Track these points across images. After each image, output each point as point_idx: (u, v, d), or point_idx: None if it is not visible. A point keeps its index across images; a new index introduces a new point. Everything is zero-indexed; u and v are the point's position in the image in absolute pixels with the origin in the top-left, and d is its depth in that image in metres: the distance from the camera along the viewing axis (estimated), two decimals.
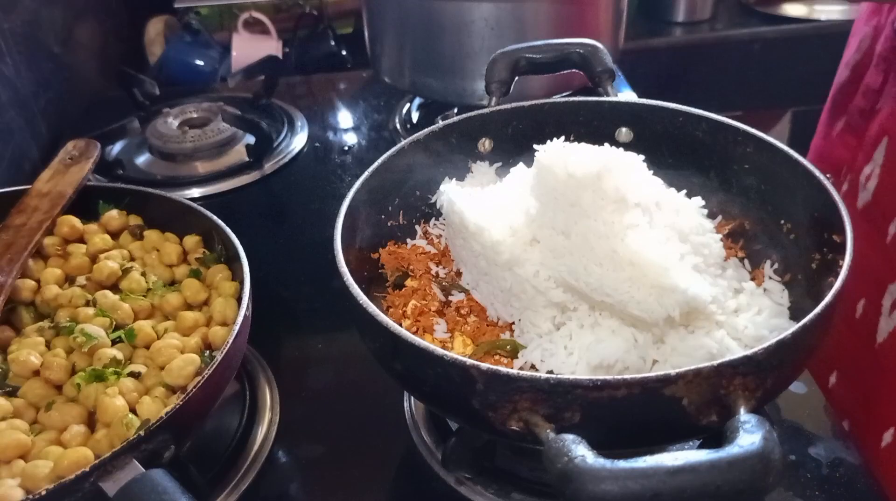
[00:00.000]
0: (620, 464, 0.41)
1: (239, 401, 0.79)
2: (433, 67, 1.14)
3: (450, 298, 0.72)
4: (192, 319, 0.71)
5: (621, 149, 0.68)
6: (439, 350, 0.52)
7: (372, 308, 0.57)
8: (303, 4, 1.69)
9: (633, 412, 0.48)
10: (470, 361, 0.51)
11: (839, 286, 0.55)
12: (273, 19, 1.63)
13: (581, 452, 0.42)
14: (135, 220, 0.84)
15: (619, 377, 0.48)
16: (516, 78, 0.82)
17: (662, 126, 0.78)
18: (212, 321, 0.72)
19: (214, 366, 0.60)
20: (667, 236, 0.64)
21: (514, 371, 0.50)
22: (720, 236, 0.72)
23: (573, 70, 0.83)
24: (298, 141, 1.28)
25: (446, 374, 0.52)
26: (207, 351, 0.68)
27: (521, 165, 0.77)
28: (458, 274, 0.74)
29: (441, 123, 0.79)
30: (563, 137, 0.77)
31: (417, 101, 1.35)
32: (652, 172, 0.70)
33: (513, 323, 0.68)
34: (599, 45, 0.81)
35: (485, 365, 0.50)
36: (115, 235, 0.82)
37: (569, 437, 0.44)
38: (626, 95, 1.29)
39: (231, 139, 1.26)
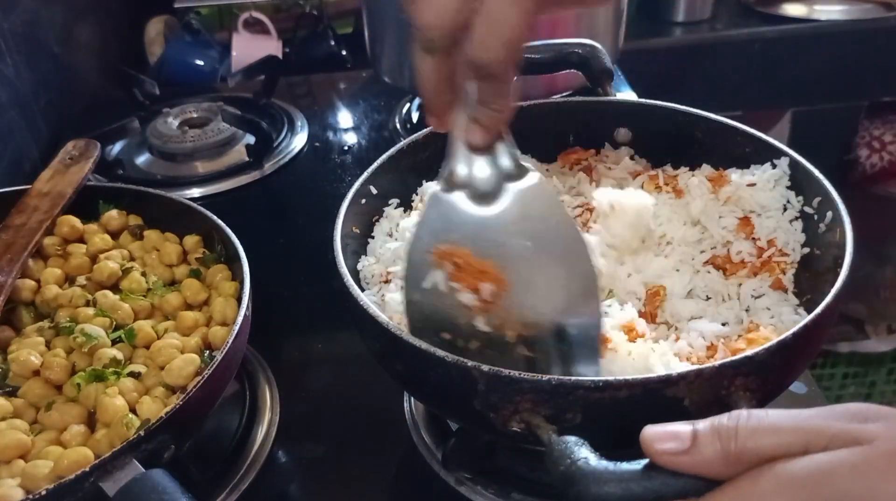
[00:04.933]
0: (623, 466, 0.41)
1: (239, 401, 0.79)
2: None
3: None
4: (192, 319, 0.71)
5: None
6: (440, 351, 0.52)
7: (372, 309, 0.57)
8: (303, 4, 1.69)
9: (635, 413, 0.48)
10: (471, 362, 0.51)
11: (839, 287, 0.55)
12: (273, 19, 1.62)
13: (584, 454, 0.42)
14: (135, 220, 0.84)
15: (621, 378, 0.48)
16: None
17: (661, 126, 0.78)
18: (212, 321, 0.72)
19: (214, 366, 0.60)
20: None
21: (516, 373, 0.50)
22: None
23: (572, 70, 0.83)
24: (298, 141, 1.27)
25: (447, 375, 0.52)
26: (207, 351, 0.68)
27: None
28: None
29: None
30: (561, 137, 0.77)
31: (417, 101, 1.35)
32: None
33: None
34: (598, 45, 0.81)
35: (486, 366, 0.50)
36: (115, 235, 0.82)
37: (571, 439, 0.44)
38: (626, 94, 1.29)
39: (231, 139, 1.25)
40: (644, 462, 0.41)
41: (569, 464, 0.42)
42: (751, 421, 0.39)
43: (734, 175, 0.71)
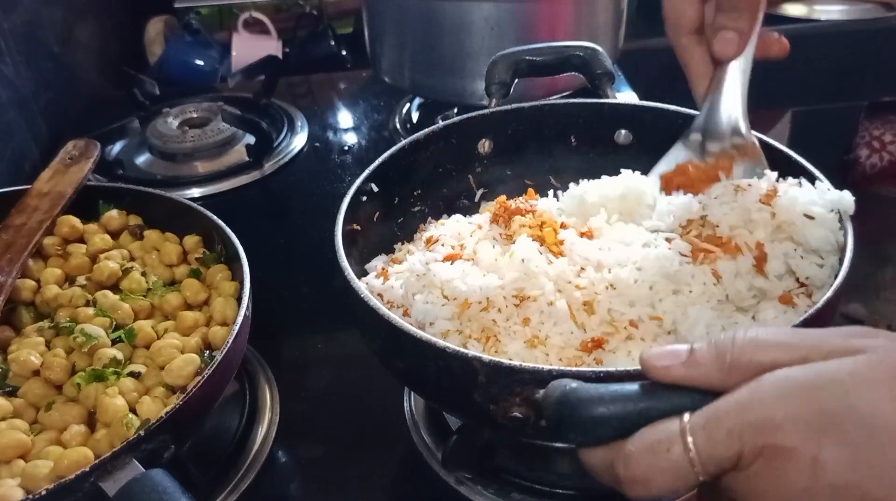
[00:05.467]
0: (618, 387, 0.40)
1: (239, 401, 0.79)
2: (433, 67, 1.14)
3: None
4: (192, 319, 0.71)
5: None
6: (441, 343, 0.53)
7: (373, 301, 0.57)
8: (303, 4, 1.69)
9: None
10: (472, 353, 0.51)
11: (839, 284, 0.55)
12: (273, 19, 1.63)
13: (576, 383, 0.42)
14: (135, 220, 0.84)
15: (622, 368, 0.48)
16: (516, 80, 0.82)
17: (661, 128, 0.78)
18: (212, 321, 0.72)
19: (214, 366, 0.60)
20: None
21: (517, 363, 0.50)
22: None
23: (573, 73, 0.83)
24: (298, 141, 1.28)
25: (448, 366, 0.52)
26: (207, 351, 0.68)
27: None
28: None
29: (441, 124, 0.79)
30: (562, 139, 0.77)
31: (417, 101, 1.35)
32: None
33: None
34: (599, 48, 0.82)
35: (486, 357, 0.50)
36: (115, 235, 0.82)
37: (563, 379, 0.43)
38: (627, 95, 1.29)
39: (231, 139, 1.25)
40: (640, 383, 0.40)
41: (563, 390, 0.41)
42: (748, 334, 0.39)
43: (792, 190, 0.64)
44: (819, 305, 0.53)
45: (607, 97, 0.81)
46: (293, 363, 0.86)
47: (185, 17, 1.67)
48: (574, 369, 0.49)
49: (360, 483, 0.71)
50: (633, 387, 0.40)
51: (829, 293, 0.54)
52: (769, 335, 0.38)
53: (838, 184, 0.64)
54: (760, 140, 0.72)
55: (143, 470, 0.52)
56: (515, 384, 0.49)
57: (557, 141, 0.81)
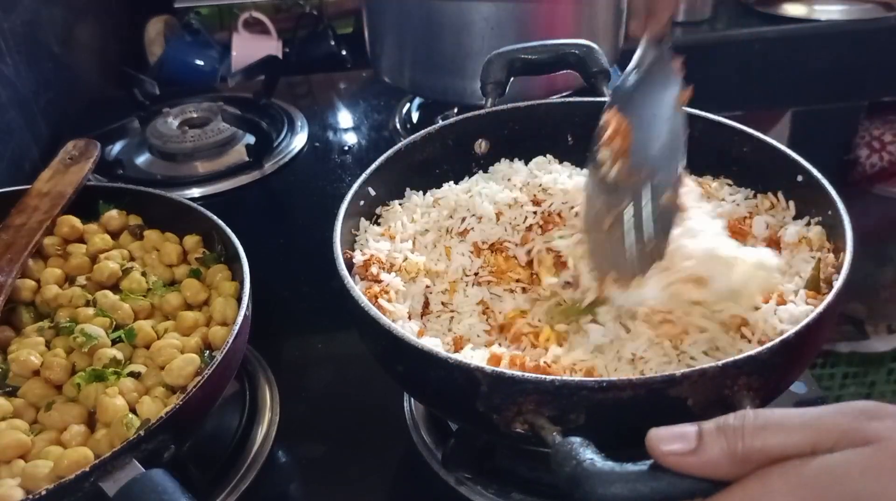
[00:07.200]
0: (629, 467, 0.40)
1: (239, 401, 0.79)
2: (433, 67, 1.14)
3: None
4: (192, 319, 0.71)
5: None
6: (443, 353, 0.52)
7: (373, 310, 0.57)
8: (303, 4, 1.69)
9: (639, 413, 0.48)
10: (474, 363, 0.51)
11: (839, 287, 0.55)
12: (273, 19, 1.63)
13: (589, 455, 0.42)
14: (135, 220, 0.84)
15: (624, 378, 0.48)
16: (512, 79, 0.81)
17: None
18: (212, 321, 0.71)
19: (214, 366, 0.60)
20: None
21: (519, 373, 0.50)
22: None
23: (568, 71, 0.83)
24: (298, 141, 1.28)
25: (450, 376, 0.52)
26: (207, 351, 0.68)
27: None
28: None
29: (438, 125, 0.79)
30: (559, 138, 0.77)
31: (417, 101, 1.35)
32: None
33: None
34: (594, 45, 0.81)
35: (489, 367, 0.50)
36: (115, 235, 0.82)
37: (576, 440, 0.43)
38: None
39: (231, 139, 1.25)
40: (650, 462, 0.40)
41: (574, 465, 0.42)
42: (757, 421, 0.39)
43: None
44: (821, 308, 0.53)
45: (604, 95, 0.80)
46: (293, 363, 0.86)
47: (185, 17, 1.67)
48: (577, 379, 0.48)
49: (360, 483, 0.71)
50: (644, 467, 0.40)
51: (830, 296, 0.54)
52: (778, 421, 0.39)
53: (838, 184, 0.64)
54: (758, 140, 0.72)
55: (143, 470, 0.52)
56: (518, 393, 0.49)
57: (554, 140, 0.81)
